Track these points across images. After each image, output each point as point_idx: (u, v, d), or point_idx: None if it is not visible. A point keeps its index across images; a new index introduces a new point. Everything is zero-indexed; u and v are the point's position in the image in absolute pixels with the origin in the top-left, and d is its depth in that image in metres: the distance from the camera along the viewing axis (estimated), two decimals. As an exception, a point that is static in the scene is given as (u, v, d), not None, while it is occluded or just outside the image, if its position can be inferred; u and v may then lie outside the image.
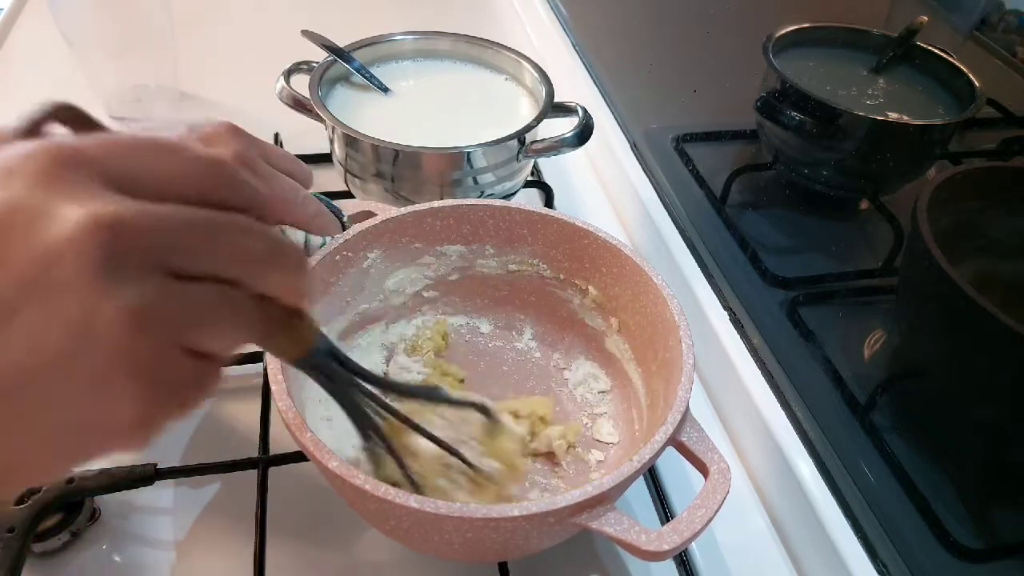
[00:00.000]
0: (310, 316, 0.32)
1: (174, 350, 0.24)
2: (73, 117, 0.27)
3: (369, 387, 0.39)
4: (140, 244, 0.22)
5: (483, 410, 0.45)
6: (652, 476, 0.52)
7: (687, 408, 0.41)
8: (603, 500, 0.37)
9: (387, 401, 0.41)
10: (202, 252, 0.24)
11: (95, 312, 0.21)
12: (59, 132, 0.26)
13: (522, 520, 0.35)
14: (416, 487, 0.41)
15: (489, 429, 0.45)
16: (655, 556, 0.36)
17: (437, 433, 0.42)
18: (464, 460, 0.42)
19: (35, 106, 0.26)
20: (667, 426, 0.40)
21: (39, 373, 0.21)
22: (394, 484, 0.36)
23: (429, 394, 0.44)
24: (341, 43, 0.70)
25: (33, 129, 0.26)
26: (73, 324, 0.21)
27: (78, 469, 0.46)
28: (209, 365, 0.25)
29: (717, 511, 0.37)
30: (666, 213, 0.73)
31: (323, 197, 0.51)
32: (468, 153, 0.62)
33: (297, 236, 0.47)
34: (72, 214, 0.21)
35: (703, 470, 0.40)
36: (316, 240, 0.49)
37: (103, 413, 0.23)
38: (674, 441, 0.41)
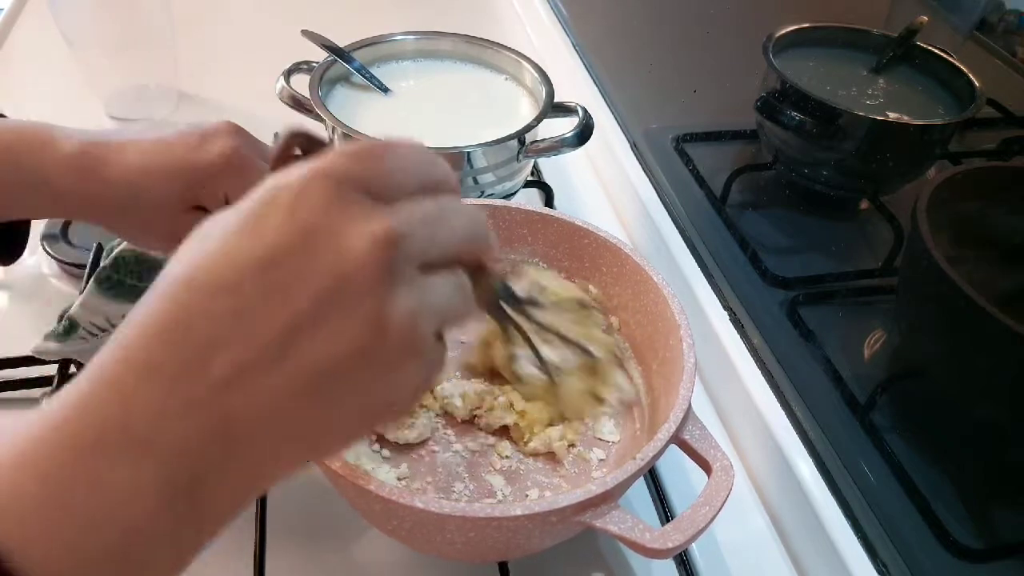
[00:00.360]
0: (493, 268, 0.35)
1: (436, 335, 0.29)
2: (306, 141, 0.31)
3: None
4: (411, 251, 0.27)
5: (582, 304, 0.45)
6: (652, 475, 0.52)
7: (689, 406, 0.41)
8: (607, 499, 0.37)
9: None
10: (442, 246, 0.28)
11: (386, 314, 0.26)
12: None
13: (525, 519, 0.35)
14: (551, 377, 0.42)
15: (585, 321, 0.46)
16: (659, 554, 0.36)
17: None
18: (590, 353, 0.43)
19: (282, 133, 0.31)
20: (670, 424, 0.40)
21: (348, 363, 0.25)
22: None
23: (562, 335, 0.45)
24: (341, 43, 0.70)
25: (284, 154, 0.30)
26: (370, 325, 0.25)
27: None
28: (442, 343, 0.30)
29: (721, 508, 0.37)
30: (666, 213, 0.73)
31: None
32: (468, 153, 0.62)
33: None
34: (360, 233, 0.25)
35: (706, 468, 0.40)
36: None
37: (394, 390, 0.27)
38: (677, 439, 0.41)
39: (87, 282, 0.52)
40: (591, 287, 0.54)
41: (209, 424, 0.24)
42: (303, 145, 0.31)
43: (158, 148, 0.45)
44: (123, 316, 0.50)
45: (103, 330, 0.50)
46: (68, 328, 0.49)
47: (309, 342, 0.25)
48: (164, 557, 0.24)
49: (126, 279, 0.49)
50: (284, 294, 0.25)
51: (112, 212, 0.45)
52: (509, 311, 0.39)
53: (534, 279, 0.46)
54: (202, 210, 0.46)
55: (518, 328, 0.40)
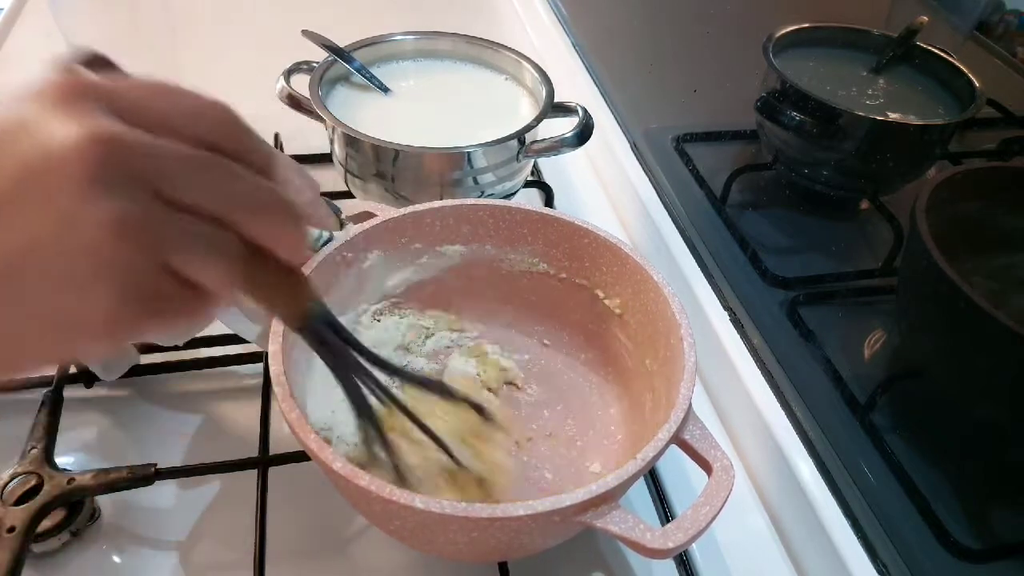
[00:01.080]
0: (308, 281, 0.33)
1: (154, 267, 0.26)
2: (100, 62, 0.29)
3: (371, 368, 0.40)
4: (132, 163, 0.25)
5: (480, 411, 0.45)
6: (652, 475, 0.52)
7: (690, 406, 0.41)
8: (607, 499, 0.37)
9: (385, 384, 0.41)
10: (191, 184, 0.26)
11: (81, 214, 0.24)
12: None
13: (527, 519, 0.35)
14: (400, 477, 0.41)
15: (481, 432, 0.45)
16: (660, 554, 0.36)
17: (433, 424, 0.42)
18: (454, 459, 0.43)
19: (69, 51, 0.29)
20: (670, 424, 0.40)
21: (24, 260, 0.24)
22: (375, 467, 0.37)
23: (430, 384, 0.44)
24: (341, 43, 0.70)
25: (68, 69, 0.28)
26: (59, 222, 0.24)
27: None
28: (196, 296, 0.28)
29: (722, 508, 0.37)
30: (666, 213, 0.73)
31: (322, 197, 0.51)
32: (468, 153, 0.62)
33: None
34: (73, 128, 0.24)
35: (706, 468, 0.40)
36: (313, 233, 0.48)
37: (78, 309, 0.25)
38: (677, 439, 0.41)
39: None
40: (591, 286, 0.54)
41: None
42: (97, 66, 0.29)
43: None
44: None
45: None
46: None
47: None
48: None
49: None
50: None
51: None
52: (330, 342, 0.36)
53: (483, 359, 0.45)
54: None
55: (337, 372, 0.38)
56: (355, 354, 0.39)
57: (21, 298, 0.24)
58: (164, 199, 0.26)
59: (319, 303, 0.35)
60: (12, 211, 0.24)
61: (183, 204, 0.26)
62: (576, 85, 0.91)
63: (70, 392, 0.51)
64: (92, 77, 0.26)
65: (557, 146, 0.65)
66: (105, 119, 0.25)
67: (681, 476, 0.53)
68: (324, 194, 0.51)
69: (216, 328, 0.56)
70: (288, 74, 0.68)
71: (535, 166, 0.78)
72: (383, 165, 0.63)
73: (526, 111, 0.70)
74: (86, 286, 0.25)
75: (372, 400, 0.40)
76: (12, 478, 0.45)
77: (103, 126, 0.24)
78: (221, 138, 0.28)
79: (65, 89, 0.25)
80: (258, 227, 0.28)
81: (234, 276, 0.28)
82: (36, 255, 0.24)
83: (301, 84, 0.66)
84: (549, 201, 0.74)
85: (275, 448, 0.50)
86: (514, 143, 0.63)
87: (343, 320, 0.53)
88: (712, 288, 0.65)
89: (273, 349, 0.42)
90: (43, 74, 0.26)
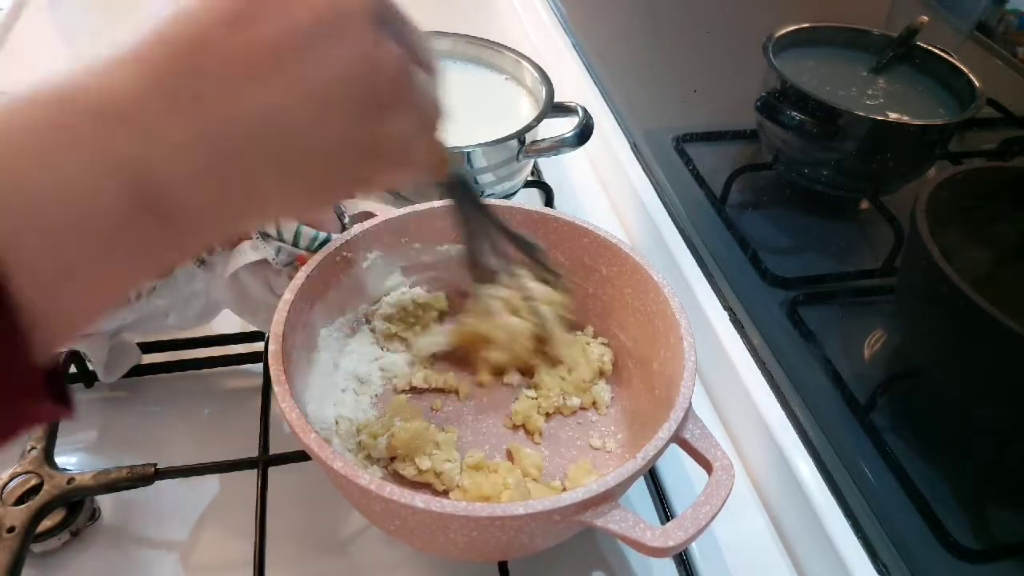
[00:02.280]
0: (449, 153, 0.38)
1: (428, 106, 0.32)
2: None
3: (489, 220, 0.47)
4: (400, 22, 0.30)
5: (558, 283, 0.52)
6: (652, 474, 0.52)
7: (690, 405, 0.41)
8: (608, 498, 0.37)
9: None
10: (422, 61, 0.31)
11: (380, 52, 0.28)
12: None
13: (527, 519, 0.35)
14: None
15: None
16: (661, 552, 0.36)
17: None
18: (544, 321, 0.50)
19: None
20: (670, 423, 0.40)
21: (341, 87, 0.27)
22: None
23: (533, 248, 0.50)
24: (341, 43, 0.70)
25: None
26: (365, 55, 0.27)
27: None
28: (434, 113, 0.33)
29: (722, 507, 0.37)
30: (666, 213, 0.73)
31: None
32: (468, 153, 0.62)
33: (290, 226, 0.47)
34: None
35: (707, 467, 0.40)
36: (309, 232, 0.48)
37: (388, 133, 0.29)
38: (677, 438, 0.41)
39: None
40: (591, 286, 0.54)
41: (195, 126, 0.24)
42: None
43: None
44: (138, 292, 0.49)
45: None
46: None
47: (301, 61, 0.26)
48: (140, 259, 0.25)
49: None
50: (285, 10, 0.26)
51: None
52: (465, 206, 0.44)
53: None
54: None
55: (464, 225, 0.45)
56: (478, 212, 0.46)
57: (333, 126, 0.27)
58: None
59: (457, 163, 0.42)
60: (325, 44, 0.26)
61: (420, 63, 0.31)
62: (576, 85, 0.91)
63: (70, 392, 0.51)
64: None
65: (557, 146, 0.65)
66: None
67: (681, 475, 0.53)
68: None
69: (216, 328, 0.56)
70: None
71: (535, 166, 0.78)
72: (383, 165, 0.63)
73: (526, 111, 0.70)
74: (393, 117, 0.29)
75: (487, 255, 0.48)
76: (12, 478, 0.45)
77: None
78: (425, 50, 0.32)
79: None
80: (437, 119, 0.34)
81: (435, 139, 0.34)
82: (348, 84, 0.27)
83: (301, 84, 0.66)
84: (549, 201, 0.74)
85: (275, 448, 0.50)
86: (514, 143, 0.63)
87: (343, 320, 0.53)
88: (712, 288, 0.65)
89: (273, 349, 0.42)
90: None
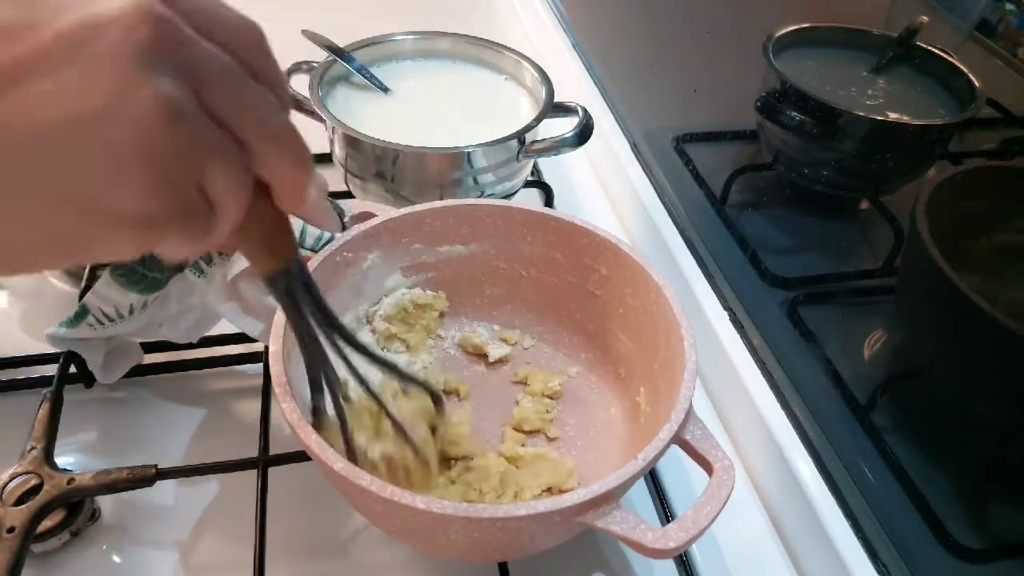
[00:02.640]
0: (294, 238, 0.32)
1: (193, 165, 0.24)
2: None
3: (337, 340, 0.39)
4: (180, 52, 0.23)
5: (435, 399, 0.45)
6: (652, 475, 0.52)
7: (690, 406, 0.41)
8: (608, 499, 0.37)
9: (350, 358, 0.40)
10: (226, 94, 0.25)
11: (132, 88, 0.22)
12: None
13: (528, 520, 0.35)
14: (351, 455, 0.41)
15: (433, 418, 0.45)
16: (661, 554, 0.36)
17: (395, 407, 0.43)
18: (413, 446, 0.42)
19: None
20: (671, 424, 0.40)
21: (66, 127, 0.22)
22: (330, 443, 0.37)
23: (390, 365, 0.43)
24: (341, 43, 0.70)
25: None
26: (109, 93, 0.22)
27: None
28: (210, 214, 0.26)
29: (722, 508, 0.37)
30: (666, 213, 0.73)
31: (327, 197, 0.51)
32: (468, 153, 0.62)
33: (295, 226, 0.47)
34: (130, 1, 0.22)
35: (707, 467, 0.40)
36: (314, 231, 0.48)
37: (111, 194, 0.23)
38: (678, 439, 0.41)
39: (86, 281, 0.52)
40: (591, 286, 0.54)
41: None
42: None
43: None
44: (131, 306, 0.49)
45: (110, 319, 0.50)
46: (79, 314, 0.49)
47: (33, 85, 0.22)
48: None
49: (139, 268, 0.49)
50: (28, 26, 0.22)
51: None
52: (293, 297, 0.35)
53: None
54: None
55: (301, 336, 0.37)
56: (320, 320, 0.37)
57: (47, 171, 0.22)
58: (200, 101, 0.24)
59: (298, 259, 0.34)
60: (56, 76, 0.22)
61: (214, 113, 0.25)
62: (576, 85, 0.91)
63: (70, 392, 0.51)
64: None
65: (557, 146, 0.65)
66: (161, 5, 0.23)
67: (681, 476, 0.53)
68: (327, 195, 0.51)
69: (216, 328, 0.56)
70: (288, 74, 0.68)
71: (535, 166, 0.78)
72: (383, 165, 0.63)
73: (526, 111, 0.70)
74: (126, 167, 0.23)
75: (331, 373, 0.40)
76: (12, 478, 0.45)
77: (159, 6, 0.23)
78: (256, 60, 0.27)
79: None
80: (271, 158, 0.27)
81: (242, 202, 0.27)
82: (76, 123, 0.22)
83: (301, 84, 0.66)
84: (549, 201, 0.74)
85: (275, 448, 0.50)
86: (514, 143, 0.63)
87: (343, 320, 0.53)
88: (712, 288, 0.65)
89: (273, 349, 0.42)
90: None
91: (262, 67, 0.27)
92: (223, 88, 0.25)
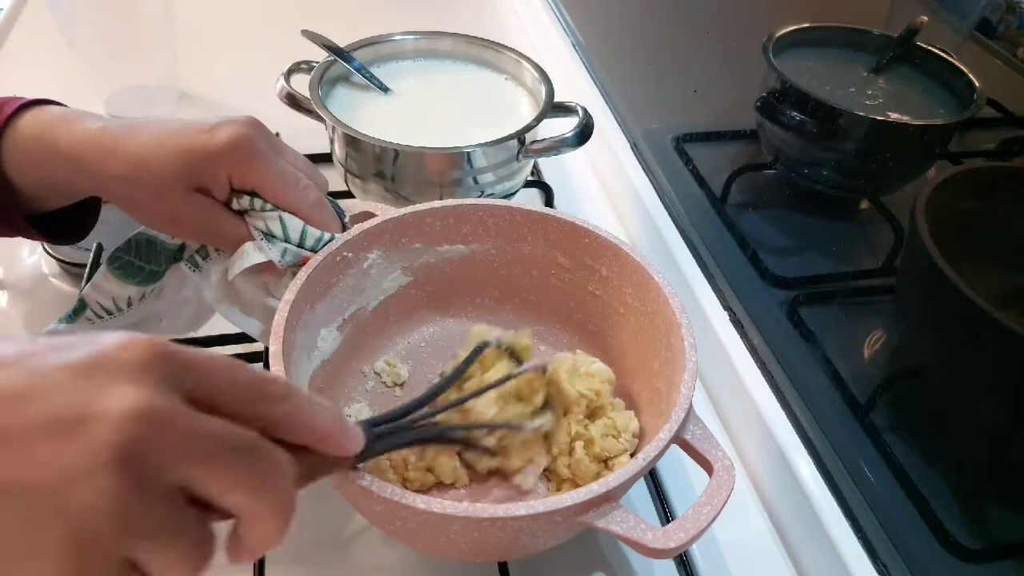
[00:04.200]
0: (339, 456, 0.33)
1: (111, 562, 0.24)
2: None
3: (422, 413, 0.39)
4: (164, 457, 0.24)
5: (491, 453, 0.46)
6: (652, 475, 0.52)
7: (691, 406, 0.41)
8: (609, 499, 0.37)
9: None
10: (220, 477, 0.26)
11: (75, 497, 0.23)
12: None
13: (528, 519, 0.35)
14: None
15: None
16: (661, 554, 0.36)
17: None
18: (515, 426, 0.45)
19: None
20: (671, 424, 0.40)
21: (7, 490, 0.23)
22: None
23: (456, 438, 0.43)
24: (341, 43, 0.70)
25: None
26: (50, 492, 0.23)
27: None
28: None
29: (722, 508, 0.37)
30: (666, 213, 0.73)
31: (327, 197, 0.51)
32: (468, 153, 0.62)
33: (296, 226, 0.47)
34: (125, 400, 0.24)
35: (707, 467, 0.40)
36: (315, 232, 0.48)
37: (25, 565, 0.23)
38: (678, 439, 0.41)
39: (87, 281, 0.52)
40: (591, 286, 0.54)
41: None
42: None
43: (171, 130, 0.45)
44: (129, 298, 0.49)
45: (109, 313, 0.50)
46: (77, 308, 0.49)
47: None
48: None
49: (136, 260, 0.49)
50: (9, 402, 0.23)
51: (119, 187, 0.46)
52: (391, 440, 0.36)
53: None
54: (206, 193, 0.46)
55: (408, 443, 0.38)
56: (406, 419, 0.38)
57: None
58: (188, 494, 0.26)
59: (364, 427, 0.34)
60: (36, 442, 0.23)
61: (198, 494, 0.26)
62: (576, 85, 0.91)
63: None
64: (175, 347, 0.26)
65: (557, 146, 0.65)
66: (162, 396, 0.25)
67: (681, 476, 0.53)
68: (326, 194, 0.51)
69: (216, 328, 0.56)
70: (288, 74, 0.68)
71: (535, 166, 0.78)
72: (383, 165, 0.63)
73: (526, 111, 0.70)
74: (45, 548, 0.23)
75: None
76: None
77: (154, 403, 0.24)
78: (258, 403, 0.28)
79: (146, 354, 0.25)
80: (255, 518, 0.29)
81: (205, 557, 0.28)
82: (19, 488, 0.23)
83: (301, 84, 0.66)
84: (549, 201, 0.74)
85: (275, 448, 0.50)
86: (514, 143, 0.63)
87: (345, 316, 0.53)
88: (712, 288, 0.65)
89: (274, 349, 0.42)
90: (133, 340, 0.25)
91: (267, 411, 0.29)
92: (214, 470, 0.26)
